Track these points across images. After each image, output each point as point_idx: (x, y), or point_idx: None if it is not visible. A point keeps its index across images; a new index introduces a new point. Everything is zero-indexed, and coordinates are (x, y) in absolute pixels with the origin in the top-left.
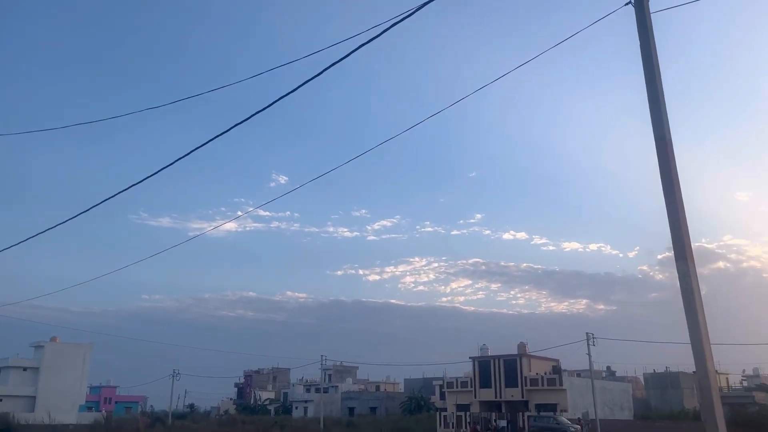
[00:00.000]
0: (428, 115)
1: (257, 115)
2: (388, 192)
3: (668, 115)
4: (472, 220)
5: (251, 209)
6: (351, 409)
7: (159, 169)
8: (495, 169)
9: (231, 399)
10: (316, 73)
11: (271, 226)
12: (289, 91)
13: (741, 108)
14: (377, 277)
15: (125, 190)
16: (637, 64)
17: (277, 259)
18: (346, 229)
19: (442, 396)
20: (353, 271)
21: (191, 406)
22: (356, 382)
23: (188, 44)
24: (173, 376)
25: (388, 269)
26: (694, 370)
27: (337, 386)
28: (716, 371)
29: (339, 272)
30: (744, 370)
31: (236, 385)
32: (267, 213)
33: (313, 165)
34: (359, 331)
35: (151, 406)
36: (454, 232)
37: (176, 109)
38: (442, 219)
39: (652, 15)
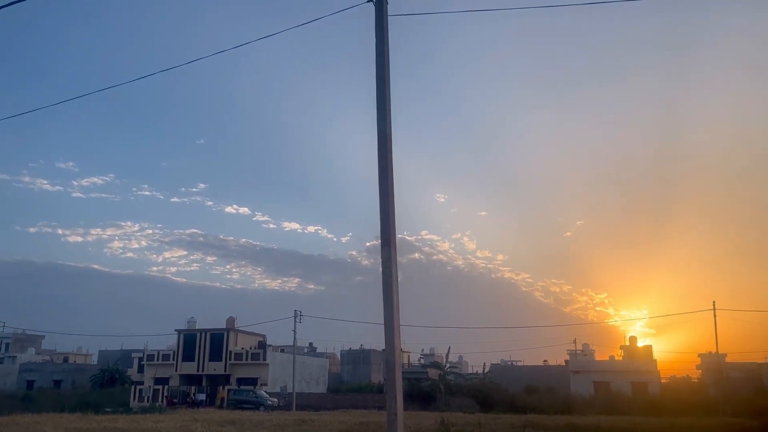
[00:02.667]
0: (160, 68)
1: None
2: (103, 146)
3: (392, 113)
4: (194, 189)
5: None
6: (30, 383)
7: None
8: (225, 140)
9: None
10: None
11: None
12: None
13: (450, 120)
14: (79, 239)
15: None
16: (370, 61)
17: None
18: (46, 182)
19: (141, 369)
20: (50, 230)
21: None
22: (40, 352)
23: None
24: None
25: (94, 231)
26: (384, 347)
27: (15, 357)
28: (401, 349)
29: (32, 229)
30: (423, 349)
31: None
32: None
33: (9, 99)
34: (53, 297)
35: None
36: (174, 200)
37: None
38: (163, 184)
39: (389, 17)
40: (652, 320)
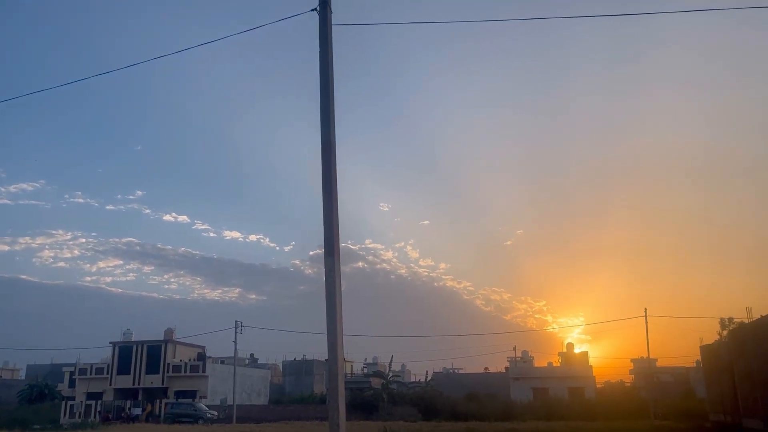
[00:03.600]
0: (95, 72)
1: None
2: (33, 151)
3: (336, 122)
4: (131, 197)
5: None
6: None
7: None
8: (164, 147)
9: None
10: None
11: None
12: None
13: (394, 129)
14: (6, 248)
15: None
16: (314, 68)
17: None
18: None
19: (72, 384)
20: None
21: None
22: None
23: None
24: None
25: (22, 240)
26: (327, 358)
27: None
28: (344, 359)
29: None
30: (366, 359)
31: None
32: None
33: None
34: None
35: None
36: (110, 207)
37: None
38: (98, 191)
39: (333, 27)
40: (589, 327)
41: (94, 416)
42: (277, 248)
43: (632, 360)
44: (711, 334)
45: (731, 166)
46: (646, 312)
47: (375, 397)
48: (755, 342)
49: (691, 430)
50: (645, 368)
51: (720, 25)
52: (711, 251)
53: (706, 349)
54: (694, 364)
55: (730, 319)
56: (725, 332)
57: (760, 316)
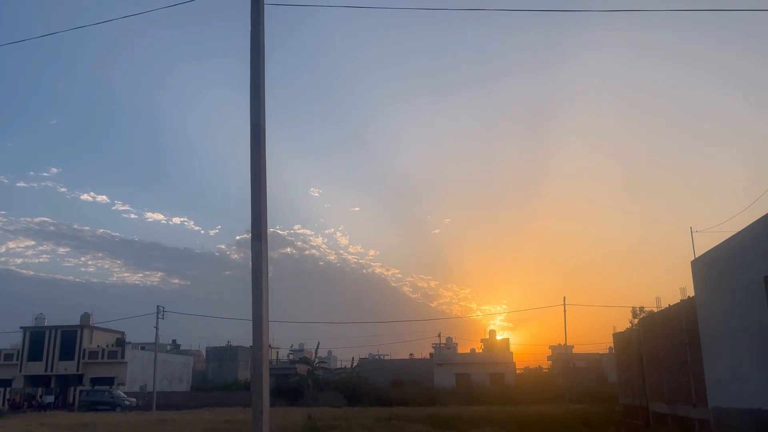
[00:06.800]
0: (11, 40)
1: None
2: None
3: (266, 104)
4: (45, 174)
5: None
6: None
7: None
8: (81, 122)
9: None
10: None
11: None
12: None
13: (326, 115)
14: None
15: None
16: (244, 48)
17: None
18: None
19: None
20: None
21: None
22: None
23: None
24: None
25: None
26: (252, 344)
27: None
28: (270, 346)
29: None
30: (292, 345)
31: None
32: None
33: None
34: None
35: None
36: (21, 184)
37: None
38: (7, 167)
39: (266, 6)
40: (511, 314)
41: (3, 404)
42: (202, 232)
43: (550, 347)
44: (624, 322)
45: (649, 157)
46: (564, 301)
47: (300, 384)
48: (663, 330)
49: (602, 413)
50: (562, 355)
51: None
52: (626, 245)
53: (618, 337)
54: (607, 351)
55: (641, 309)
56: (636, 321)
57: (668, 306)
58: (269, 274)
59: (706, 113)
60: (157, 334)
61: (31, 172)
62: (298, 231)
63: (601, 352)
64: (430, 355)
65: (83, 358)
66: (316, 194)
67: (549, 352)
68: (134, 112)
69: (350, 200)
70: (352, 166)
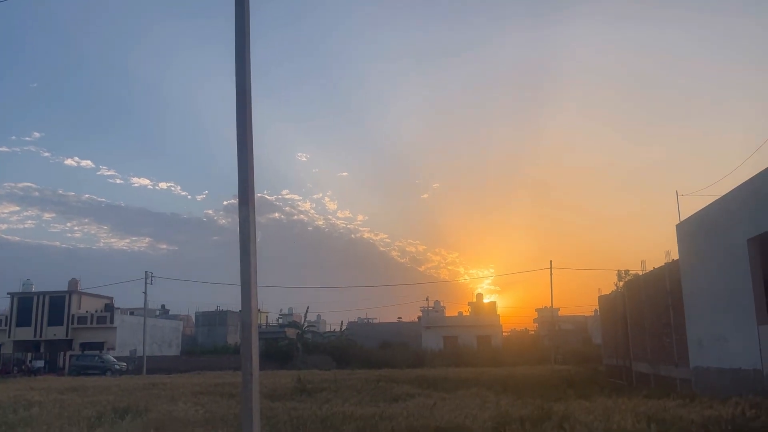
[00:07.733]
0: None
1: None
2: None
3: (251, 69)
4: (27, 138)
5: None
6: None
7: None
8: (64, 85)
9: None
10: None
11: None
12: None
13: (314, 80)
14: None
15: None
16: (230, 12)
17: None
18: None
19: None
20: None
21: None
22: None
23: None
24: None
25: None
26: (241, 308)
27: None
28: (259, 310)
29: None
30: (282, 310)
31: None
32: None
33: None
34: None
35: None
36: (3, 149)
37: None
38: None
39: None
40: (498, 278)
41: None
42: (189, 197)
43: (537, 309)
44: (609, 285)
45: (636, 121)
46: (551, 264)
47: (289, 347)
48: (647, 292)
49: (586, 373)
50: (548, 317)
51: None
52: (612, 209)
53: (603, 299)
54: (593, 314)
55: (626, 272)
56: (621, 284)
57: (652, 269)
58: (257, 240)
59: (696, 76)
60: (146, 299)
61: (13, 137)
62: (286, 196)
63: (586, 314)
64: (419, 318)
65: (72, 323)
66: (304, 159)
67: (535, 315)
68: (118, 75)
69: (338, 165)
70: (341, 130)
